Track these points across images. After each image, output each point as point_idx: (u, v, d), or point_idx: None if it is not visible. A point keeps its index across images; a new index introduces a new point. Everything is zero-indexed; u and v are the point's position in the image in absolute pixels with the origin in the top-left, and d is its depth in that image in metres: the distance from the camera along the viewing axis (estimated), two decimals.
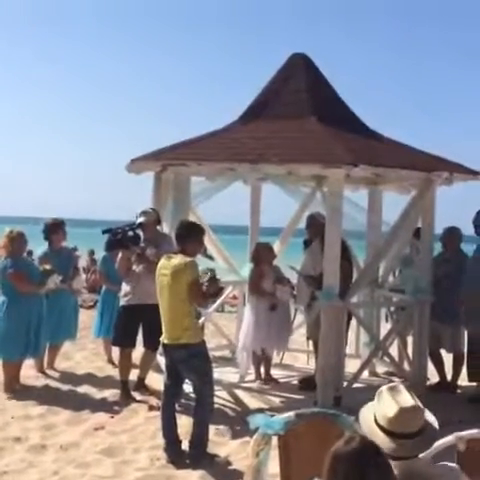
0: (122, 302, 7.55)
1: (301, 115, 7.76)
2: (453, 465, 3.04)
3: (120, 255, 7.43)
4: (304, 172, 7.89)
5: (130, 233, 7.41)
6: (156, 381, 7.32)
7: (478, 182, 8.02)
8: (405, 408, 2.76)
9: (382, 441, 2.74)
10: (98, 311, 9.22)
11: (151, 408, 6.97)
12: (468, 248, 8.13)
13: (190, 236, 5.77)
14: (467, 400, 7.56)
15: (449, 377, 8.22)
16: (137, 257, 7.34)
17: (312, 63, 8.32)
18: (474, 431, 3.57)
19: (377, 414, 2.84)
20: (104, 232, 7.58)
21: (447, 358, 8.28)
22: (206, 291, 5.66)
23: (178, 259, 5.59)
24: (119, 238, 7.37)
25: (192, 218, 8.39)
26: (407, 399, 2.80)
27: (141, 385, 7.70)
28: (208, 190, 8.47)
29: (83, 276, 16.55)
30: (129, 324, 7.43)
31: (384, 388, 2.88)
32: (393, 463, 2.72)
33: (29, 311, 7.65)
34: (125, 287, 7.52)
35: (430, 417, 2.92)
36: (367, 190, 9.11)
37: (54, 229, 8.51)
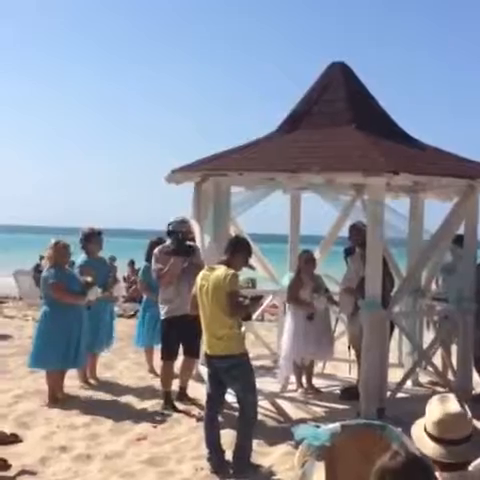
0: (163, 315, 7.57)
1: (340, 124, 7.75)
2: None
3: (172, 262, 7.43)
4: (344, 181, 7.86)
5: (187, 242, 7.56)
6: (198, 391, 7.35)
7: None
8: (450, 414, 2.81)
9: (430, 447, 2.77)
10: (139, 321, 9.29)
11: (193, 416, 6.97)
12: None
13: (238, 251, 5.82)
14: None
15: None
16: (187, 267, 7.38)
17: (351, 71, 8.30)
18: None
19: (426, 422, 2.86)
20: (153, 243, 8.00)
21: None
22: (245, 305, 5.69)
23: (221, 270, 5.62)
24: (174, 247, 7.47)
25: (232, 228, 8.45)
26: (453, 406, 2.85)
27: (183, 395, 7.74)
28: (248, 200, 8.49)
29: (122, 284, 16.75)
30: (172, 336, 7.49)
31: (434, 397, 2.91)
32: (444, 475, 2.70)
33: (71, 322, 7.72)
34: (165, 297, 7.55)
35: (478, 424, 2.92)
36: (408, 197, 9.04)
37: (91, 238, 8.61)
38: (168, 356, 7.62)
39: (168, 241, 7.71)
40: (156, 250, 7.73)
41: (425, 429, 2.86)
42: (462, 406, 2.86)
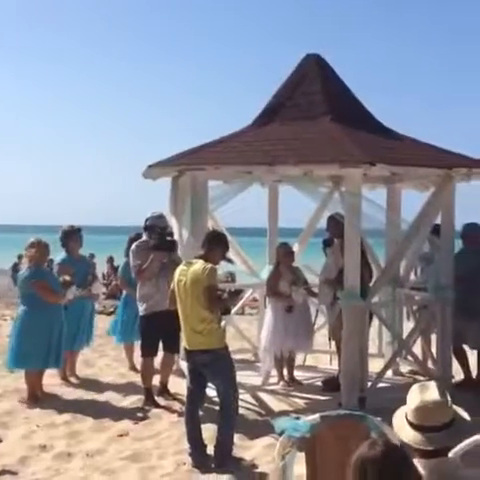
0: (142, 311, 7.51)
1: (316, 116, 7.76)
2: None
3: (152, 257, 7.36)
4: (321, 173, 7.87)
5: (168, 238, 7.51)
6: (180, 386, 7.33)
7: None
8: (429, 401, 2.83)
9: (409, 435, 2.79)
10: (119, 317, 9.25)
11: (174, 412, 6.95)
12: None
13: (215, 245, 5.81)
14: None
15: (474, 374, 8.15)
16: (166, 262, 7.33)
17: (326, 63, 8.30)
18: None
19: (406, 410, 2.89)
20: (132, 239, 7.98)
21: (471, 355, 8.21)
22: (223, 299, 5.69)
23: (199, 265, 5.60)
24: (156, 242, 7.41)
25: (210, 222, 8.43)
26: (433, 394, 2.87)
27: (164, 390, 7.72)
28: (225, 193, 8.47)
29: (102, 282, 16.67)
30: (152, 333, 7.45)
31: (415, 385, 2.93)
32: (422, 462, 2.71)
33: (51, 321, 7.68)
34: (144, 293, 7.50)
35: (462, 412, 2.93)
36: (385, 188, 9.07)
37: (71, 236, 8.55)
38: (148, 353, 7.58)
39: (145, 236, 7.68)
40: (133, 246, 7.66)
41: (406, 417, 2.88)
42: (442, 394, 2.88)
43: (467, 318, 7.80)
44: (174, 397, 7.57)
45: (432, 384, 2.96)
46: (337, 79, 8.26)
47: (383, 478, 2.47)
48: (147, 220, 7.67)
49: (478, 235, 8.18)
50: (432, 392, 2.87)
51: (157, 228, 7.52)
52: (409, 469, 2.53)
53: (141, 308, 7.52)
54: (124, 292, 9.19)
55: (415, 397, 2.87)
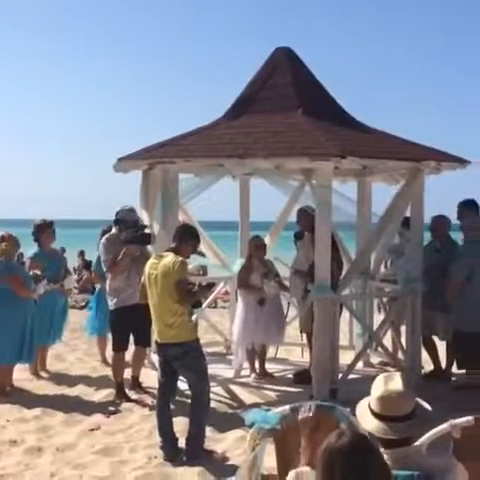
0: (113, 305, 7.45)
1: (287, 109, 7.76)
2: (448, 455, 3.08)
3: (125, 251, 7.27)
4: (292, 166, 7.89)
5: (144, 231, 7.42)
6: (151, 379, 7.32)
7: (466, 170, 8.03)
8: (392, 391, 2.86)
9: (372, 424, 2.83)
10: (92, 310, 9.17)
11: (145, 406, 6.91)
12: (457, 236, 8.15)
13: (185, 238, 5.80)
14: (452, 388, 7.58)
15: (444, 365, 8.25)
16: (138, 256, 7.26)
17: (296, 56, 8.31)
18: (468, 418, 3.59)
19: (370, 400, 2.93)
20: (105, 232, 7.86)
21: (441, 346, 8.30)
22: (193, 292, 5.69)
23: (169, 258, 5.59)
24: (131, 235, 7.30)
25: (181, 215, 8.42)
26: (396, 384, 2.89)
27: (136, 384, 7.70)
28: (197, 186, 8.46)
29: (74, 276, 16.55)
30: (123, 327, 7.42)
31: (380, 376, 2.95)
32: (386, 452, 2.74)
33: (23, 315, 7.64)
34: (115, 286, 7.42)
35: (424, 403, 2.97)
36: (356, 182, 9.12)
37: (43, 230, 8.48)
38: (120, 347, 7.55)
39: (114, 230, 7.61)
40: (104, 240, 7.58)
41: (369, 406, 2.91)
42: (406, 384, 2.91)
43: (436, 310, 7.89)
44: (145, 391, 7.56)
45: (397, 375, 2.99)
46: (308, 72, 8.27)
47: (350, 468, 2.49)
48: (117, 213, 7.62)
49: (445, 227, 8.25)
50: (396, 382, 2.90)
51: (130, 222, 7.47)
52: (377, 459, 2.55)
53: (112, 302, 7.47)
54: (98, 286, 9.13)
55: (379, 387, 2.90)
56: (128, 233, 7.37)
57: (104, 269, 7.60)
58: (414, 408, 2.91)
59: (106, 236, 7.64)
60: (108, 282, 7.52)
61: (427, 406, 2.99)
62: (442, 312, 7.92)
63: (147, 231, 7.51)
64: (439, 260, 7.88)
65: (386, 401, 2.85)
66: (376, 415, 2.87)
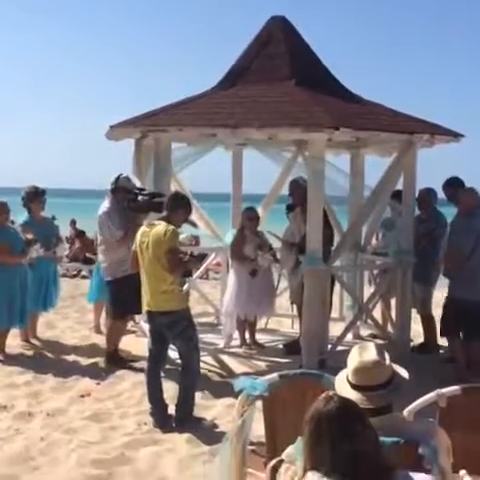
0: (117, 274, 7.30)
1: (281, 79, 7.70)
2: (430, 419, 3.12)
3: (134, 220, 7.05)
4: (285, 137, 7.86)
5: (157, 199, 7.06)
6: (141, 347, 7.35)
7: (459, 144, 8.02)
8: (366, 361, 2.90)
9: (349, 394, 2.85)
10: (94, 276, 9.07)
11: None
12: (450, 211, 8.10)
13: (177, 207, 5.78)
14: (440, 361, 7.63)
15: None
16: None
17: (291, 26, 8.22)
18: (454, 388, 3.64)
19: (347, 370, 2.96)
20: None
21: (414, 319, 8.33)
22: (184, 261, 5.69)
23: (161, 226, 5.58)
24: (142, 203, 7.11)
25: (174, 185, 8.38)
26: (370, 354, 2.93)
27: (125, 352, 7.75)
28: (189, 156, 8.42)
29: (65, 244, 16.51)
30: (127, 295, 7.11)
31: (355, 347, 2.98)
32: (372, 420, 2.77)
33: (13, 281, 7.67)
34: (119, 256, 7.23)
35: (401, 371, 3.00)
36: (349, 154, 9.11)
37: (33, 198, 8.43)
38: (123, 315, 7.58)
39: (108, 199, 7.50)
40: (107, 210, 7.36)
41: (347, 378, 2.95)
42: (380, 354, 2.94)
43: (416, 282, 7.91)
44: (135, 359, 7.59)
45: (371, 345, 3.03)
46: (302, 42, 8.19)
47: (338, 433, 2.52)
48: (116, 181, 7.44)
49: (430, 199, 8.19)
50: (370, 353, 2.94)
51: (135, 189, 7.32)
52: (364, 425, 2.58)
53: (115, 272, 7.35)
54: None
55: (354, 358, 2.94)
56: (141, 201, 7.15)
57: (112, 239, 7.35)
58: (391, 376, 2.93)
59: (108, 206, 7.41)
60: (110, 253, 7.39)
61: (404, 374, 3.02)
62: (421, 285, 7.96)
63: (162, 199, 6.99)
64: (421, 231, 7.89)
65: (361, 371, 2.89)
66: (353, 386, 2.91)
